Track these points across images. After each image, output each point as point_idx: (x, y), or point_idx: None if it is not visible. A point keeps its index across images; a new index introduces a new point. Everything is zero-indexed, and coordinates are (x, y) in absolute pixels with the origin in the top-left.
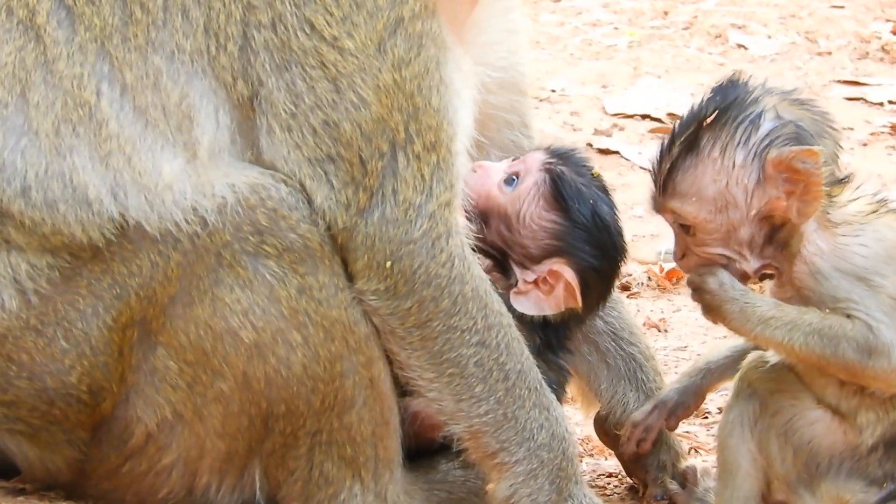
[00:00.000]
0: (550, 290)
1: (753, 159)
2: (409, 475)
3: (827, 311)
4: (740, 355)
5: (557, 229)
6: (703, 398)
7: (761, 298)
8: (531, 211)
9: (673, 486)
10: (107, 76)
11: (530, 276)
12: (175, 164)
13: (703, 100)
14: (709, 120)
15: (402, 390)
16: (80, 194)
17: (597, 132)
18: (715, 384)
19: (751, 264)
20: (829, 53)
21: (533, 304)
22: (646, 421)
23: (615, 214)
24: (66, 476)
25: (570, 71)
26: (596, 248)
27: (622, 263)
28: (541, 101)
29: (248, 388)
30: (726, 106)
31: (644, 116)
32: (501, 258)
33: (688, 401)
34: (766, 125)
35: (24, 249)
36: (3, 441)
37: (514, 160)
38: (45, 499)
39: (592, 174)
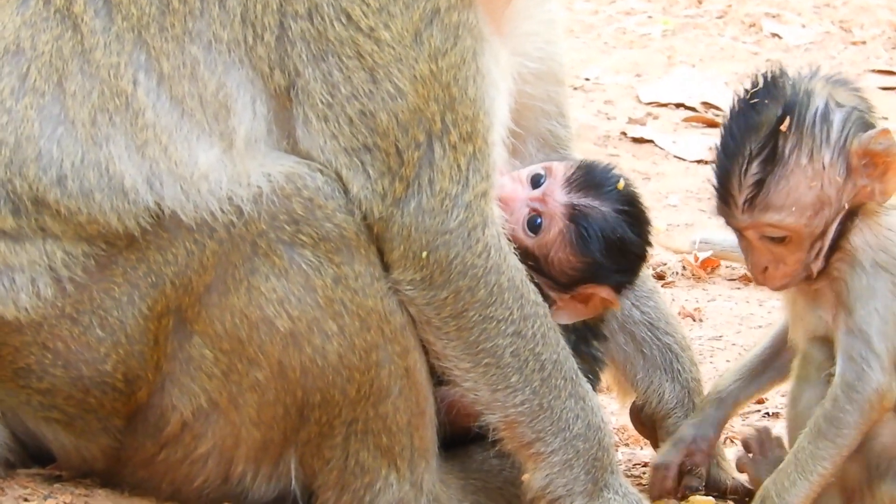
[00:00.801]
0: (588, 299)
1: (839, 155)
2: (444, 464)
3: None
4: (749, 376)
5: (587, 269)
6: (722, 427)
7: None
8: (559, 257)
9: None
10: (144, 66)
11: (566, 297)
12: (211, 154)
13: (749, 106)
14: (784, 126)
15: (438, 379)
16: (116, 183)
17: (631, 121)
18: (732, 412)
19: (819, 263)
20: (864, 43)
21: (571, 313)
22: (665, 460)
23: (642, 229)
24: (102, 464)
25: (604, 59)
26: (626, 270)
27: (646, 260)
28: (575, 89)
29: (283, 377)
30: (790, 107)
31: (678, 105)
32: (533, 280)
33: (707, 433)
34: (837, 117)
35: (59, 238)
36: (39, 429)
37: (534, 186)
38: (81, 486)
39: (618, 188)
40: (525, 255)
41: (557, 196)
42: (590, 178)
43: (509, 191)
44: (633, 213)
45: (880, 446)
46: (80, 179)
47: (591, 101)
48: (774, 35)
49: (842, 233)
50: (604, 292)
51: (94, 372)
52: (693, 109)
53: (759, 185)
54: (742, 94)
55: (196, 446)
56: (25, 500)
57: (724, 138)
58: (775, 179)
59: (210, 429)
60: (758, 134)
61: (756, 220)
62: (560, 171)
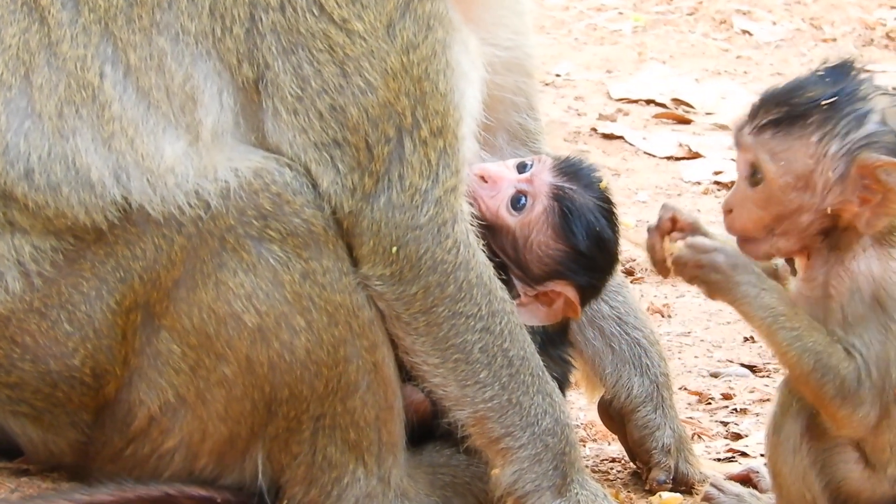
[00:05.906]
0: (550, 302)
1: (843, 155)
2: (412, 459)
3: (834, 336)
4: None
5: (563, 258)
6: None
7: (776, 287)
8: (539, 239)
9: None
10: (110, 58)
11: (531, 292)
12: (177, 147)
13: (814, 74)
14: (824, 104)
15: (406, 376)
16: (83, 177)
17: (601, 117)
18: None
19: (788, 244)
20: (834, 40)
21: (533, 315)
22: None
23: (616, 233)
24: (70, 458)
25: (575, 56)
26: (596, 270)
27: (615, 269)
28: (546, 85)
29: (251, 372)
30: (838, 94)
31: (648, 102)
32: (503, 269)
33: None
34: (869, 127)
35: (28, 232)
36: (6, 422)
37: (520, 172)
38: (48, 479)
39: (601, 187)
40: (505, 236)
41: (545, 177)
42: (577, 170)
43: (497, 171)
44: (611, 214)
45: (847, 486)
46: (47, 173)
47: (561, 98)
48: (745, 32)
49: (836, 245)
50: (570, 293)
51: (62, 366)
52: (663, 106)
53: (776, 124)
54: (818, 64)
55: (163, 441)
56: None
57: (786, 83)
58: (787, 130)
59: (177, 424)
60: (803, 94)
61: (752, 145)
62: (548, 159)
